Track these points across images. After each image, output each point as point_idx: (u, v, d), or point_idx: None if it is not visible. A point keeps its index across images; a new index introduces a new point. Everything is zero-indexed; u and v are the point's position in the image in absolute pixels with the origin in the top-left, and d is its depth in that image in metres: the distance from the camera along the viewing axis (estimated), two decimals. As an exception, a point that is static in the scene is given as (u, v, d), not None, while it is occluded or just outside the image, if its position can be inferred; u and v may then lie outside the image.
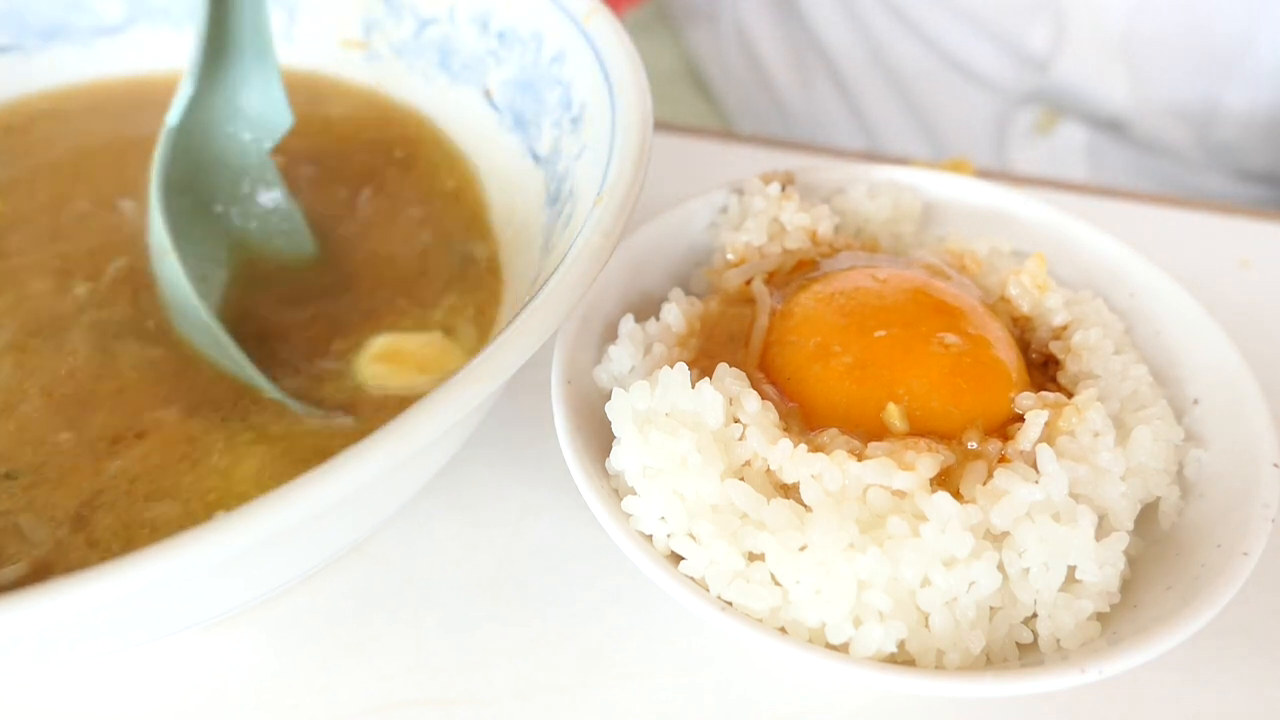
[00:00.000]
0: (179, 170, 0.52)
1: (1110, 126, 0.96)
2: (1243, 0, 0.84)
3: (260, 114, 0.55)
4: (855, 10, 1.03)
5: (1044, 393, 0.43)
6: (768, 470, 0.41)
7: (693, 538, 0.40)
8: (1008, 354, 0.44)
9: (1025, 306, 0.48)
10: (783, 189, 0.52)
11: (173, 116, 0.52)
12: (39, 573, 0.41)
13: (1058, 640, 0.39)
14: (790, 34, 1.12)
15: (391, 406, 0.47)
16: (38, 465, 0.44)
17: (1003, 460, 0.40)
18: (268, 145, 0.56)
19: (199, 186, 0.54)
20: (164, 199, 0.50)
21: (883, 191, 0.54)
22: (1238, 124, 0.90)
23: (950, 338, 0.43)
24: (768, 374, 0.44)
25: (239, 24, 0.54)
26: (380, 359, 0.49)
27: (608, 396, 0.44)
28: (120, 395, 0.47)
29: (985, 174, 0.61)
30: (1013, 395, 0.43)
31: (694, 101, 1.23)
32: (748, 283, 0.49)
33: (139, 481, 0.44)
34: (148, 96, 0.64)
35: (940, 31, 0.98)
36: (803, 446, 0.40)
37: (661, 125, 0.49)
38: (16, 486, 0.44)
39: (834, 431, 0.41)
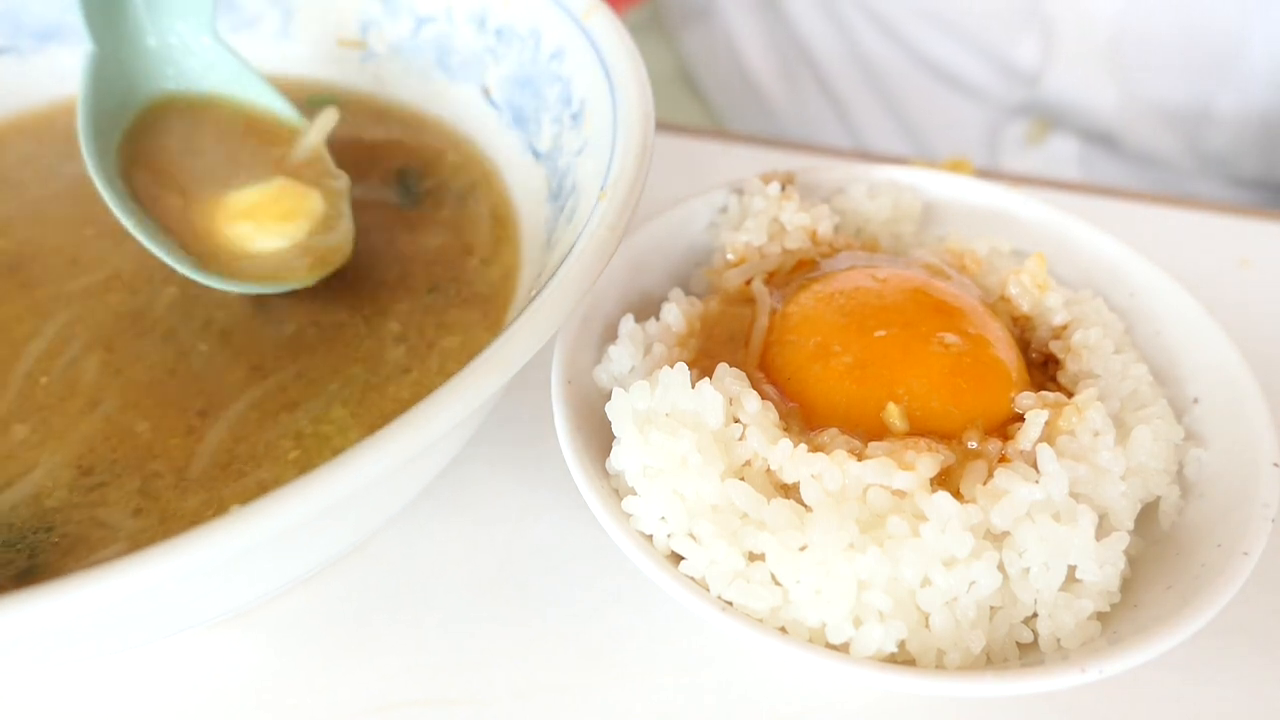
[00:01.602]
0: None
1: (1101, 138, 0.95)
2: (1232, 4, 0.84)
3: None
4: (843, 22, 1.03)
5: (1044, 392, 0.43)
6: (768, 470, 0.41)
7: (693, 538, 0.40)
8: (1008, 354, 0.44)
9: (1025, 306, 0.48)
10: (783, 189, 0.52)
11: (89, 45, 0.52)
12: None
13: (1058, 640, 0.39)
14: (779, 43, 1.11)
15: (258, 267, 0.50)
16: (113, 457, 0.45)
17: (1003, 460, 0.40)
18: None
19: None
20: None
21: (883, 191, 0.54)
22: (1228, 131, 0.90)
23: (950, 338, 0.43)
24: (768, 374, 0.44)
25: None
26: (241, 216, 0.50)
27: (608, 396, 0.44)
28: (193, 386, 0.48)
29: (985, 174, 0.61)
30: (1013, 395, 0.43)
31: (689, 106, 1.23)
32: (748, 283, 0.49)
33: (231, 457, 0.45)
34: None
35: (928, 44, 0.98)
36: (803, 446, 0.40)
37: (661, 125, 0.49)
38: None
39: (834, 431, 0.41)
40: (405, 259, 0.54)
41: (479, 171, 0.58)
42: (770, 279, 0.49)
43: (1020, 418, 0.42)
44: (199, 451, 0.45)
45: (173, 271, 0.49)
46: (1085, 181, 0.86)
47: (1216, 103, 0.88)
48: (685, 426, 0.41)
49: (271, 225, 0.50)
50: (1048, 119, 0.97)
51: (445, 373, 0.48)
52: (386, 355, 0.49)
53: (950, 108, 1.00)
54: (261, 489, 0.43)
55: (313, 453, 0.45)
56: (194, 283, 0.50)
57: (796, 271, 0.49)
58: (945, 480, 0.40)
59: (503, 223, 0.55)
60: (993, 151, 1.00)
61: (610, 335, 0.48)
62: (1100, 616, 0.40)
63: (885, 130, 1.06)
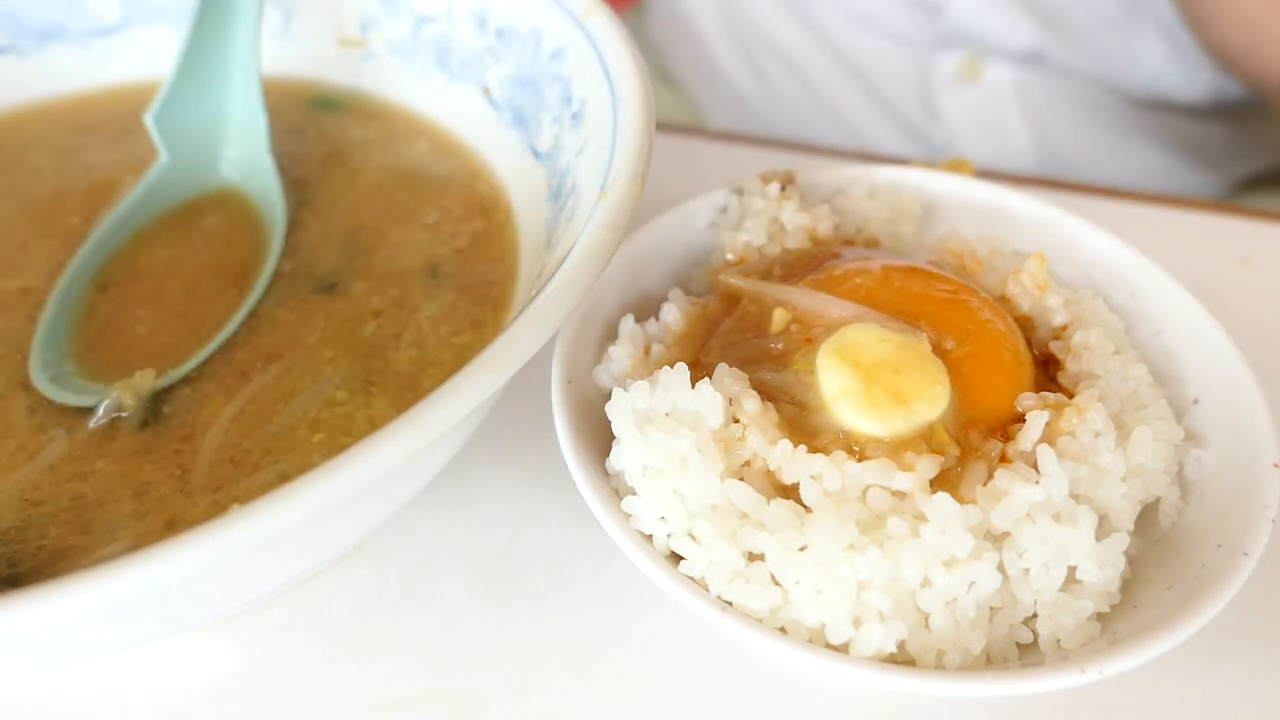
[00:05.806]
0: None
1: (1030, 59, 0.95)
2: None
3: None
4: None
5: (1045, 393, 0.43)
6: (768, 470, 0.41)
7: (693, 538, 0.40)
8: (1019, 351, 0.44)
9: (1025, 306, 0.48)
10: (783, 189, 0.52)
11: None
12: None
13: (1058, 640, 0.39)
14: (732, 25, 1.12)
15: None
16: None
17: (1003, 460, 0.40)
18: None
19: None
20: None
21: (883, 191, 0.54)
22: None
23: (953, 338, 0.43)
24: (768, 374, 0.44)
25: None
26: None
27: (608, 396, 0.44)
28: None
29: (985, 174, 0.61)
30: (1017, 393, 0.43)
31: (673, 104, 1.23)
32: (748, 282, 0.49)
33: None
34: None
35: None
36: (802, 447, 0.40)
37: (661, 125, 0.49)
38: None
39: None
40: (401, 257, 0.54)
41: (478, 171, 0.58)
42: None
43: (1021, 418, 0.42)
44: (198, 463, 0.45)
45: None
46: (1086, 182, 0.86)
47: None
48: (685, 426, 0.41)
49: None
50: (974, 51, 0.97)
51: (439, 335, 0.49)
52: (369, 329, 0.50)
53: (887, 55, 1.02)
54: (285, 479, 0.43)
55: (338, 433, 0.45)
56: None
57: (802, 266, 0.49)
58: (945, 481, 0.40)
59: (502, 222, 0.55)
60: (930, 93, 1.01)
61: (610, 335, 0.48)
62: (1100, 617, 0.40)
63: (840, 91, 1.06)
